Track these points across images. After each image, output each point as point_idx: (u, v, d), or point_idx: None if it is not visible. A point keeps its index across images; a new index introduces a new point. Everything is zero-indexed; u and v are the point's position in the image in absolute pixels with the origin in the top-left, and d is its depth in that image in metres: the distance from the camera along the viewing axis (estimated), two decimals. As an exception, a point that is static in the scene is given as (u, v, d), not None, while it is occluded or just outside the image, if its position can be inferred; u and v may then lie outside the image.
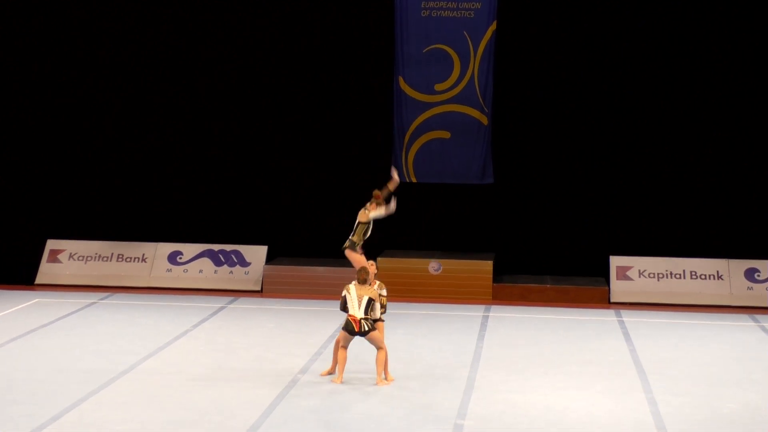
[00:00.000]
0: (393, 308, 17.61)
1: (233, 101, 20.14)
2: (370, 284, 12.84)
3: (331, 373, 12.94)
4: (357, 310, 12.63)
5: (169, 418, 11.21)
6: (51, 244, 20.02)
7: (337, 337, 13.00)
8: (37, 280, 19.65)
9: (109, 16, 20.13)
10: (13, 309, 16.96)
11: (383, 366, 12.75)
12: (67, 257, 19.86)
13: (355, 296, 12.69)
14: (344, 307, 12.72)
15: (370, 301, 12.64)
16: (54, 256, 19.89)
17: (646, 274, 19.04)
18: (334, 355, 12.97)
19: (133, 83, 20.21)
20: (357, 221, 14.72)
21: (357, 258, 14.52)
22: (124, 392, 12.21)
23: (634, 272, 19.06)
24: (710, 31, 19.16)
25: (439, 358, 14.17)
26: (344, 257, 14.77)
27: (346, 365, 12.82)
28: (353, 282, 12.85)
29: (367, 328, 12.59)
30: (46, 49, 20.22)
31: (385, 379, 12.75)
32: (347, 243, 14.68)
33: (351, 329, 12.61)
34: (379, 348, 12.74)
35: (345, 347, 12.79)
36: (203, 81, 20.13)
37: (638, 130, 19.47)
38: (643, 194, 19.55)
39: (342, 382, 12.62)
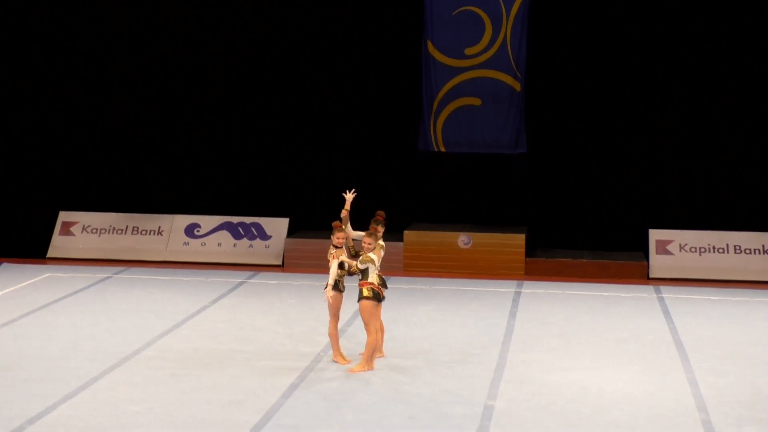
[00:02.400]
0: (421, 284, 17.64)
1: (255, 69, 20.12)
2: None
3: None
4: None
5: (185, 398, 11.27)
6: (63, 216, 20.13)
7: (363, 313, 12.32)
8: (49, 254, 19.77)
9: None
10: (25, 283, 17.09)
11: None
12: (81, 230, 19.97)
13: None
14: (362, 273, 12.32)
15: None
16: (67, 228, 20.00)
17: (687, 248, 18.95)
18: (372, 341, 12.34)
19: (149, 53, 20.22)
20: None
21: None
22: (139, 371, 12.29)
23: (674, 246, 18.98)
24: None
25: (469, 337, 14.18)
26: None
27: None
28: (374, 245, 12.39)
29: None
30: (58, 21, 20.25)
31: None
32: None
33: (379, 297, 12.36)
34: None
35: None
36: (222, 50, 20.12)
37: (681, 98, 19.33)
38: (685, 165, 19.43)
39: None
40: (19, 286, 16.92)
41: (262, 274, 18.52)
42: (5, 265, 18.72)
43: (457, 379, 12.15)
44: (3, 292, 16.47)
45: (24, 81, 20.46)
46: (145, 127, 20.39)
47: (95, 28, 20.25)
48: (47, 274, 17.88)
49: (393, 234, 18.41)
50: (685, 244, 18.96)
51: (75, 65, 20.33)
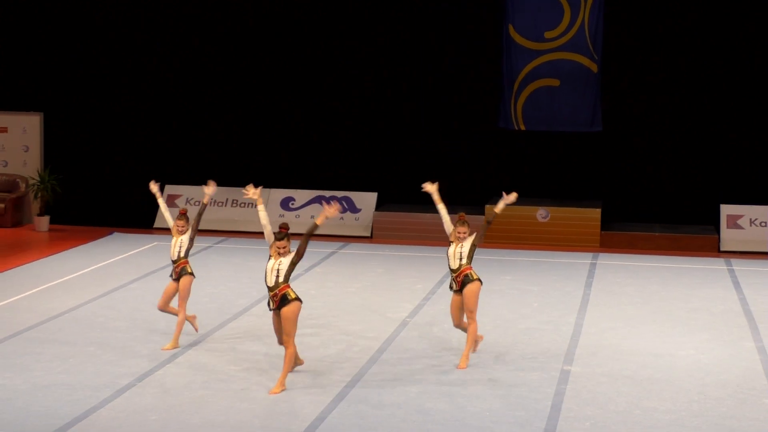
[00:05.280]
0: (500, 255, 17.61)
1: (348, 49, 20.15)
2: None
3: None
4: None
5: (280, 362, 11.39)
6: (169, 189, 20.41)
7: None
8: (156, 224, 20.08)
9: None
10: (134, 251, 17.39)
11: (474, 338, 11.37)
12: (184, 202, 20.24)
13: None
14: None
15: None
16: (172, 201, 20.29)
17: (757, 222, 18.63)
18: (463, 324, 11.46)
19: (246, 33, 20.35)
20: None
21: None
22: (237, 334, 12.46)
23: (745, 221, 18.66)
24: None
25: (546, 305, 14.13)
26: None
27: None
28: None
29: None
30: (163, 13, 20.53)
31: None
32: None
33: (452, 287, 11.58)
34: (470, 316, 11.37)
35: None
36: (317, 27, 20.17)
37: (751, 75, 18.95)
38: (756, 140, 19.06)
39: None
40: (129, 253, 17.22)
41: (352, 244, 18.61)
42: (116, 234, 19.06)
43: (535, 345, 12.13)
44: (114, 259, 16.80)
45: (132, 65, 20.74)
46: (245, 107, 20.55)
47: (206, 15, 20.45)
48: (154, 243, 18.15)
49: (475, 207, 18.39)
50: (756, 219, 18.64)
51: (178, 49, 20.54)
